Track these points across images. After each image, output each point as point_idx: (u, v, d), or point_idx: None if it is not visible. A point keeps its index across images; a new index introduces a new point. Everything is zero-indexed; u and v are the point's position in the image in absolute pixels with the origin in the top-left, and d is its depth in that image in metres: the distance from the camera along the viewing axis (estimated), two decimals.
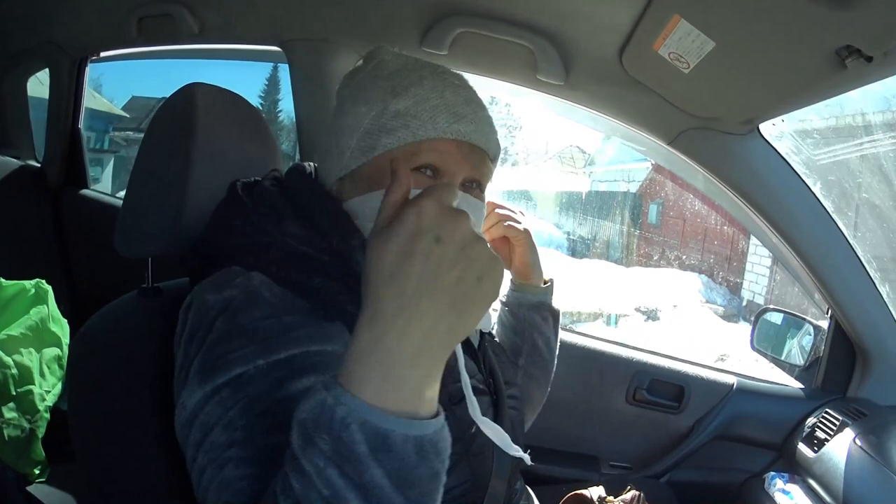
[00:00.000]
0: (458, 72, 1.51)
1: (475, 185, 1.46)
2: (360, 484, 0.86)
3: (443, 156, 1.39)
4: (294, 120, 2.35)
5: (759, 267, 13.12)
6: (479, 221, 1.47)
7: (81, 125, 3.38)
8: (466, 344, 1.47)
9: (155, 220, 1.43)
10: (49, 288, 2.70)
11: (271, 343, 1.13)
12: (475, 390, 1.37)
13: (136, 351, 1.25)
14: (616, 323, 11.82)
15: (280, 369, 1.12)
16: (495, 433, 1.20)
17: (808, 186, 2.16)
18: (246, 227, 1.31)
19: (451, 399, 1.34)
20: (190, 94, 1.46)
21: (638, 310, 12.35)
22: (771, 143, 2.09)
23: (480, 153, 1.45)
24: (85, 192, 3.43)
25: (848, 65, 1.37)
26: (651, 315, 12.32)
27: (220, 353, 1.11)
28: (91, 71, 3.29)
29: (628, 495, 1.88)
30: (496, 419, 1.48)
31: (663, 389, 2.57)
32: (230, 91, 1.59)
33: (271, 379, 1.09)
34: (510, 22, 1.97)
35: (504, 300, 1.96)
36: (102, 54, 3.24)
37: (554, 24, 1.94)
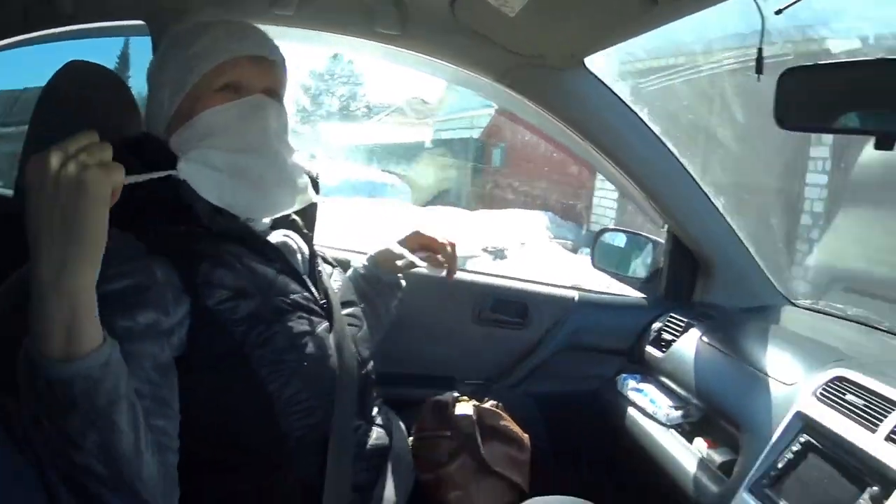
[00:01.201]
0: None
1: (275, 94, 1.65)
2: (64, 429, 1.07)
3: (240, 72, 1.59)
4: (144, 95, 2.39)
5: (607, 200, 13.34)
6: (282, 123, 1.66)
7: None
8: (290, 269, 1.64)
9: None
10: None
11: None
12: (302, 307, 1.59)
13: None
14: (464, 264, 11.92)
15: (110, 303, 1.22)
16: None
17: (635, 113, 2.33)
18: None
19: (276, 312, 1.52)
20: (70, 72, 1.59)
21: (485, 250, 12.48)
22: (597, 75, 2.24)
23: (269, 63, 1.65)
24: None
25: (659, 1, 1.53)
26: (498, 254, 12.48)
27: None
28: None
29: (487, 404, 2.00)
30: (335, 335, 1.65)
31: (507, 307, 2.71)
32: (103, 66, 1.73)
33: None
34: None
35: (361, 270, 2.11)
36: None
37: None
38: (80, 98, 1.56)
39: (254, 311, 1.48)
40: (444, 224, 13.51)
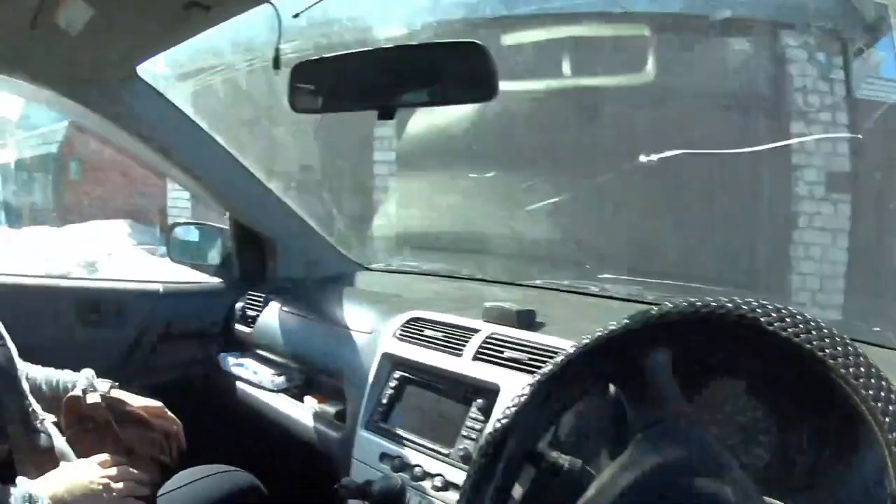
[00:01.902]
0: None
1: None
2: None
3: None
4: None
5: (181, 200, 13.29)
6: None
7: None
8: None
9: None
10: None
11: None
12: None
13: None
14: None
15: None
16: None
17: (184, 113, 2.53)
18: None
19: None
20: None
21: (79, 265, 12.20)
22: (150, 82, 2.39)
23: None
24: None
25: (193, 14, 1.72)
26: (90, 268, 12.24)
27: None
28: None
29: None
30: None
31: (104, 307, 2.76)
32: None
33: None
34: None
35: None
36: None
37: None
38: None
39: None
40: (36, 244, 13.03)
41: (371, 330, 2.24)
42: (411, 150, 8.17)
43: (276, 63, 1.86)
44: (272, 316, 2.66)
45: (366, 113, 1.67)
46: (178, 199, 13.07)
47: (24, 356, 1.96)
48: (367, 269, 3.10)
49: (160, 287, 2.88)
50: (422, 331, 2.07)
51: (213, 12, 1.75)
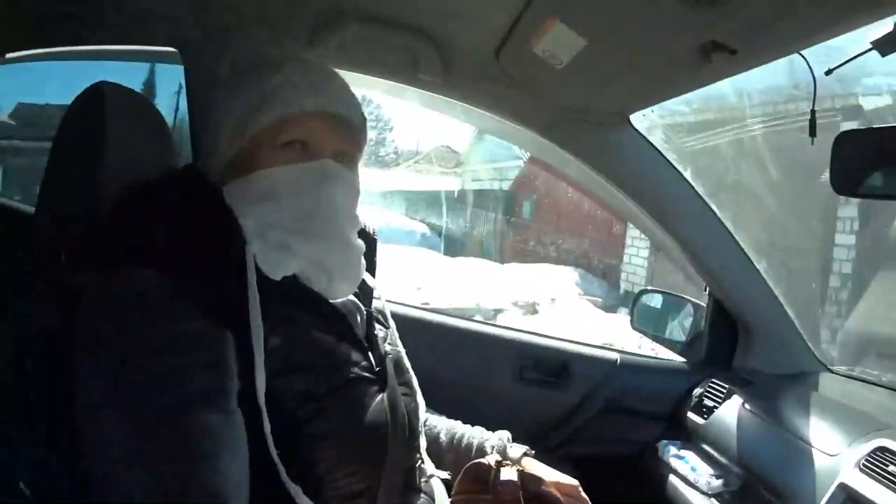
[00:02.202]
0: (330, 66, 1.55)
1: (347, 160, 1.49)
2: None
3: (308, 129, 1.42)
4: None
5: (637, 258, 13.29)
6: (352, 197, 1.50)
7: None
8: (350, 335, 1.49)
9: (68, 217, 1.44)
10: None
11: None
12: (360, 379, 1.43)
13: (51, 349, 1.25)
14: (495, 318, 11.78)
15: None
16: None
17: (679, 172, 2.28)
18: (139, 224, 1.33)
19: (332, 388, 1.37)
20: (99, 94, 1.46)
21: (516, 304, 12.31)
22: (641, 132, 2.19)
23: (346, 124, 1.48)
24: None
25: (713, 58, 1.47)
26: (529, 309, 12.30)
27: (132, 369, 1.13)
28: None
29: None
30: (390, 407, 1.46)
31: (549, 367, 2.62)
32: (136, 92, 1.59)
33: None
34: (393, 24, 2.03)
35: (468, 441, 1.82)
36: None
37: (435, 26, 2.00)
38: (108, 122, 1.43)
39: (307, 389, 1.33)
40: (472, 275, 13.45)
41: (834, 452, 1.92)
42: (881, 235, 7.45)
43: (812, 128, 1.61)
44: (731, 411, 2.33)
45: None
46: (636, 256, 13.03)
47: None
48: (830, 370, 2.69)
49: (618, 357, 2.70)
50: (886, 465, 1.73)
51: (737, 59, 1.51)
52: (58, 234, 1.44)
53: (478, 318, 11.18)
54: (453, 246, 17.21)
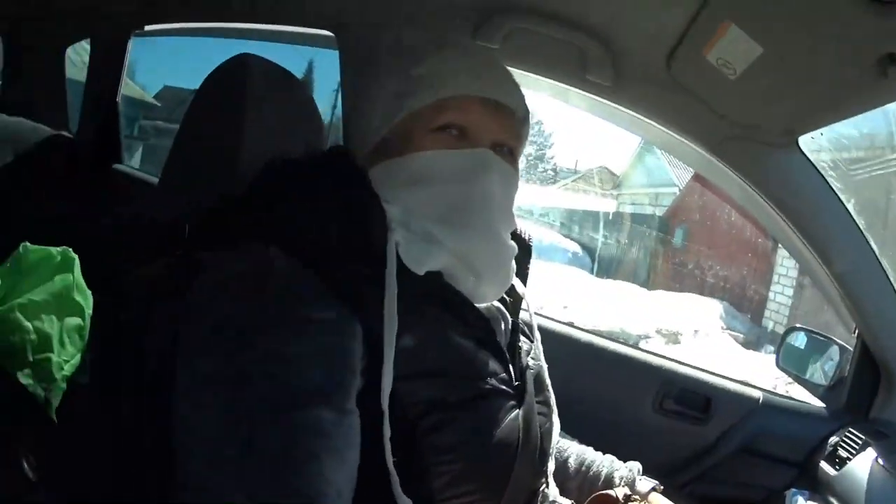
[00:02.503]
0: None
1: (507, 151, 1.40)
2: None
3: (467, 114, 1.34)
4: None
5: (782, 297, 12.98)
6: (509, 192, 1.41)
7: (119, 101, 3.37)
8: (492, 343, 1.37)
9: (199, 187, 1.43)
10: (76, 257, 2.70)
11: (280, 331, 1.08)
12: (496, 392, 1.31)
13: (166, 321, 1.20)
14: (637, 344, 11.66)
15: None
16: None
17: (842, 202, 2.16)
18: (273, 201, 1.27)
19: (463, 399, 1.25)
20: (244, 63, 1.45)
21: (659, 332, 12.13)
22: (809, 156, 2.09)
23: (507, 113, 1.39)
24: (118, 166, 3.43)
25: (889, 73, 1.38)
26: (672, 338, 12.11)
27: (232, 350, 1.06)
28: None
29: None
30: (524, 425, 1.34)
31: (691, 399, 2.51)
32: (281, 66, 1.56)
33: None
34: (563, 21, 1.98)
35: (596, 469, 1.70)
36: (147, 28, 3.20)
37: (606, 26, 1.94)
38: (249, 93, 1.42)
39: (435, 396, 1.21)
40: (619, 299, 13.36)
41: None
42: None
43: None
44: (864, 464, 2.15)
45: None
46: (780, 294, 12.75)
47: None
48: None
49: (761, 395, 2.56)
50: None
51: None
52: (185, 206, 1.44)
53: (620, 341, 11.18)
54: (603, 267, 17.18)
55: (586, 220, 18.52)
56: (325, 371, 1.08)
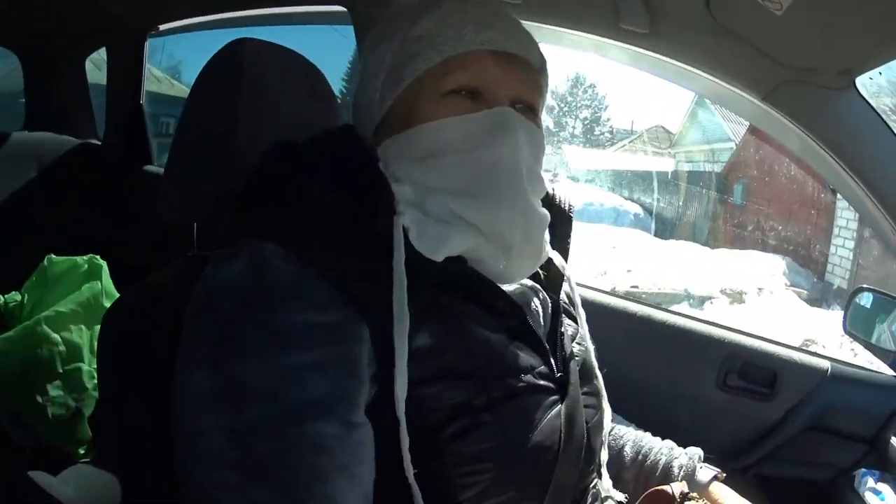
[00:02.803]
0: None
1: (527, 108, 1.27)
2: None
3: (479, 73, 1.21)
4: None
5: (843, 250, 12.91)
6: (536, 152, 1.26)
7: (143, 101, 3.39)
8: (528, 333, 1.23)
9: (200, 182, 1.35)
10: (103, 263, 2.67)
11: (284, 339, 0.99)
12: (532, 388, 1.18)
13: (175, 325, 1.11)
14: (702, 305, 11.62)
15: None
16: None
17: None
18: (268, 193, 1.17)
19: (492, 400, 1.11)
20: (237, 49, 1.37)
21: (723, 292, 12.12)
22: (868, 99, 1.93)
23: (523, 65, 1.26)
24: (149, 168, 3.43)
25: None
26: (736, 298, 12.07)
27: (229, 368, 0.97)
28: (169, 59, 3.36)
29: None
30: (566, 423, 1.21)
31: (755, 374, 2.32)
32: (284, 47, 1.47)
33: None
34: None
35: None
36: (162, 28, 3.22)
37: None
38: (246, 76, 1.33)
39: (461, 400, 1.09)
40: (682, 259, 13.37)
41: None
42: None
43: None
44: None
45: None
46: (841, 248, 12.67)
47: None
48: None
49: (829, 366, 2.36)
50: None
51: None
52: (189, 203, 1.36)
53: (684, 304, 11.18)
54: (664, 228, 17.27)
55: (645, 181, 18.51)
56: (328, 382, 0.99)
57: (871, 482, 2.12)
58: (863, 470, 2.18)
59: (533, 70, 1.30)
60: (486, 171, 1.18)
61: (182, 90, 11.65)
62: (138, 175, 3.35)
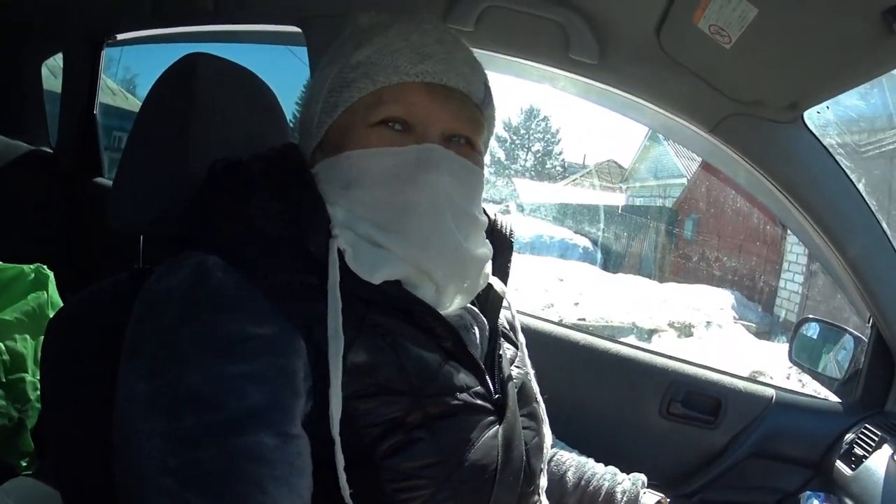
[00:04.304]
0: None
1: (463, 141, 1.25)
2: None
3: (410, 106, 1.20)
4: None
5: (792, 284, 13.11)
6: (467, 190, 1.25)
7: (97, 112, 3.34)
8: (463, 354, 1.22)
9: (149, 194, 1.32)
10: (50, 273, 2.63)
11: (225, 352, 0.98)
12: (468, 408, 1.17)
13: (118, 335, 1.09)
14: (650, 338, 11.71)
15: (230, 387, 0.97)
16: None
17: (852, 182, 2.05)
18: (212, 206, 1.17)
19: (427, 417, 1.11)
20: (191, 63, 1.36)
21: (671, 325, 12.23)
22: (815, 133, 1.97)
23: (461, 98, 1.24)
24: (99, 180, 3.36)
25: None
26: (685, 331, 12.19)
27: (171, 378, 0.96)
28: (125, 71, 3.32)
29: None
30: (504, 444, 1.20)
31: (699, 402, 2.37)
32: (236, 63, 1.46)
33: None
34: None
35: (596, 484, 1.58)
36: (119, 37, 3.17)
37: None
38: (198, 92, 1.33)
39: (396, 416, 1.08)
40: (629, 292, 13.47)
41: None
42: None
43: None
44: (880, 462, 2.05)
45: None
46: (790, 282, 12.87)
47: None
48: None
49: (773, 393, 2.42)
50: None
51: None
52: (137, 214, 1.35)
53: (632, 337, 11.25)
54: (613, 261, 17.42)
55: (595, 215, 18.64)
56: (266, 393, 0.98)
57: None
58: (808, 493, 2.20)
59: (471, 104, 1.28)
60: (405, 209, 1.18)
61: (136, 104, 11.55)
62: (89, 185, 3.30)
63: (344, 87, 1.23)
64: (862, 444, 2.18)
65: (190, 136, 1.30)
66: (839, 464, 2.20)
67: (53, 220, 3.28)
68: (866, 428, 2.22)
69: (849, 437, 2.26)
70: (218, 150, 1.29)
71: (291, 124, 1.61)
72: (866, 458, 2.11)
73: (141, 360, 1.00)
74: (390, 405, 1.08)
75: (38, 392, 2.42)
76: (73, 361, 1.26)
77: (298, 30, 2.24)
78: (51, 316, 2.38)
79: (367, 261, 1.14)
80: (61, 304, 2.57)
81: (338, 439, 1.02)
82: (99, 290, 1.33)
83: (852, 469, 2.14)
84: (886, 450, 2.07)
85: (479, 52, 1.35)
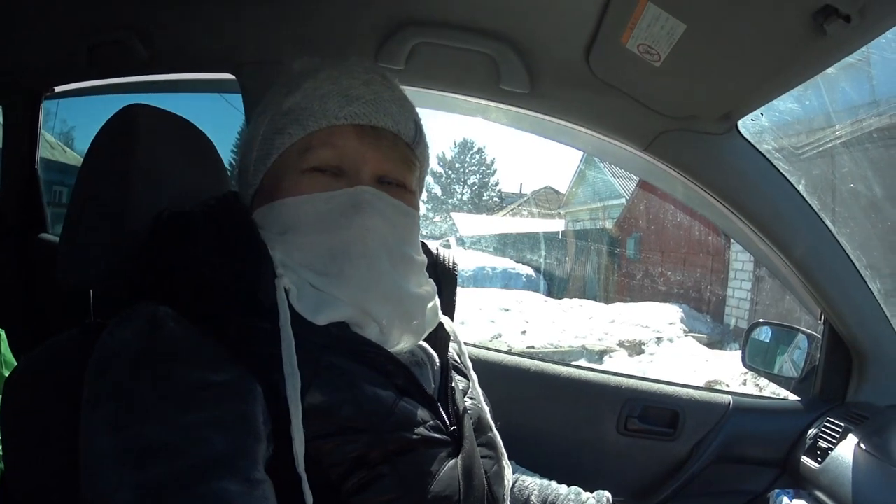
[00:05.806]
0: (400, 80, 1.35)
1: (395, 183, 1.27)
2: None
3: (340, 149, 1.23)
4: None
5: (740, 291, 13.20)
6: (400, 231, 1.27)
7: (38, 166, 3.30)
8: (416, 390, 1.25)
9: (96, 249, 1.32)
10: (2, 332, 2.59)
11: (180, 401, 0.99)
12: (425, 442, 1.20)
13: (75, 390, 1.10)
14: (601, 360, 11.73)
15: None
16: None
17: (792, 185, 2.07)
18: (159, 258, 1.17)
19: (388, 453, 1.14)
20: (129, 116, 1.36)
21: (621, 344, 12.27)
22: (750, 140, 1.99)
23: (390, 138, 1.26)
24: (45, 235, 3.30)
25: (827, 30, 1.28)
26: (635, 349, 12.22)
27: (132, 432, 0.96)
28: (62, 125, 3.26)
29: None
30: (464, 474, 1.24)
31: (656, 416, 2.39)
32: (174, 114, 1.47)
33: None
34: (468, 29, 1.88)
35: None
36: (57, 89, 3.12)
37: (515, 27, 1.85)
38: (138, 144, 1.34)
39: (358, 454, 1.10)
40: (576, 316, 13.48)
41: None
42: None
43: None
44: (846, 452, 2.10)
45: None
46: (738, 290, 12.96)
47: None
48: None
49: (730, 399, 2.44)
50: None
51: (854, 29, 1.29)
52: (85, 269, 1.35)
53: (583, 360, 11.26)
54: (558, 287, 17.40)
55: (536, 243, 18.66)
56: (227, 439, 0.99)
57: (786, 501, 2.18)
58: (777, 491, 2.24)
59: (402, 143, 1.30)
60: (339, 253, 1.20)
61: (75, 158, 11.43)
62: (35, 243, 3.24)
63: (276, 133, 1.26)
64: (826, 437, 2.21)
65: (131, 188, 1.30)
66: (805, 459, 2.24)
67: (2, 277, 3.24)
68: (829, 421, 2.25)
69: (812, 432, 2.29)
70: (160, 201, 1.31)
71: (229, 171, 1.63)
72: (832, 450, 2.14)
73: (101, 414, 1.00)
74: (353, 443, 1.10)
75: None
76: (33, 419, 1.26)
77: (231, 76, 2.24)
78: (6, 374, 2.36)
79: (310, 302, 1.16)
80: (15, 363, 2.54)
81: (304, 475, 1.03)
82: (53, 345, 1.32)
83: (818, 462, 2.17)
84: (851, 439, 2.11)
85: (411, 90, 1.38)
